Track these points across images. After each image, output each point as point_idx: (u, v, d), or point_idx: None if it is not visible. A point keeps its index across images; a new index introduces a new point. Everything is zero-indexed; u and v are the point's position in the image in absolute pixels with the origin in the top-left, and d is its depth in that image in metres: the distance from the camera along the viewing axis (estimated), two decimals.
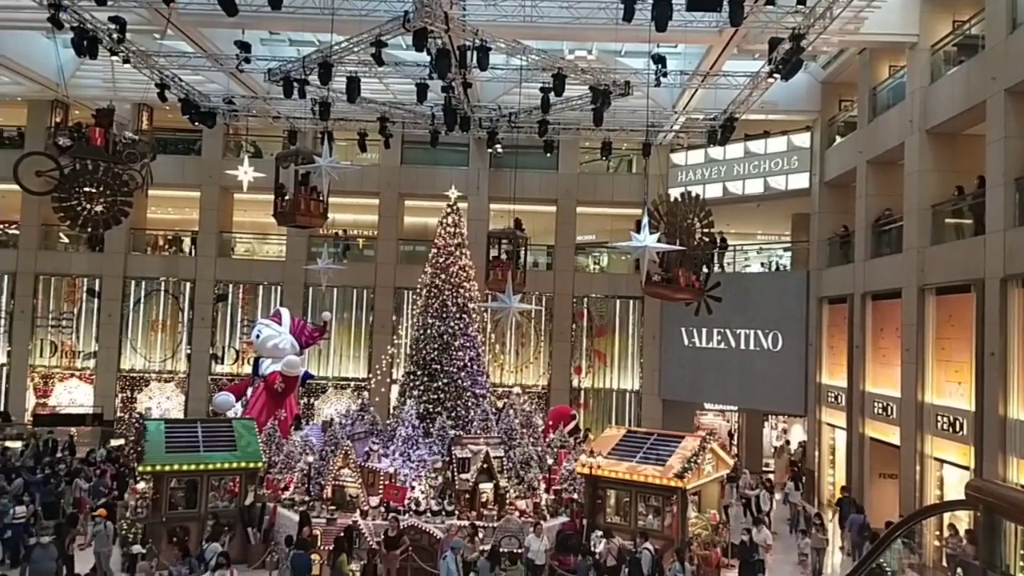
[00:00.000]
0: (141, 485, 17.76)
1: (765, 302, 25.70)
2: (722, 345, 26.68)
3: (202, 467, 16.77)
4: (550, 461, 19.11)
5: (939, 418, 17.51)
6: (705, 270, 17.51)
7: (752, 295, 25.81)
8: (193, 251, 30.24)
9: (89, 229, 18.57)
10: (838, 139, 24.56)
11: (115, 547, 15.48)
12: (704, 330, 26.88)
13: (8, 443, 24.19)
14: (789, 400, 25.48)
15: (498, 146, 26.41)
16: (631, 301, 29.40)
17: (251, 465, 17.20)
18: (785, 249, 29.14)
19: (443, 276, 20.33)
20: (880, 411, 20.37)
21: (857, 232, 22.34)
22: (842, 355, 22.73)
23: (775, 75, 18.52)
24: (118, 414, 28.72)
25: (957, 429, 16.77)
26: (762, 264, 29.29)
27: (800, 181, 25.57)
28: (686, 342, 27.60)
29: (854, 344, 21.79)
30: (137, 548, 14.42)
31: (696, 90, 22.66)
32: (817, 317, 24.70)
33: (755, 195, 26.78)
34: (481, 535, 15.60)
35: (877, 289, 21.00)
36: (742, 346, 26.20)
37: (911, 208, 19.18)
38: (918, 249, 18.64)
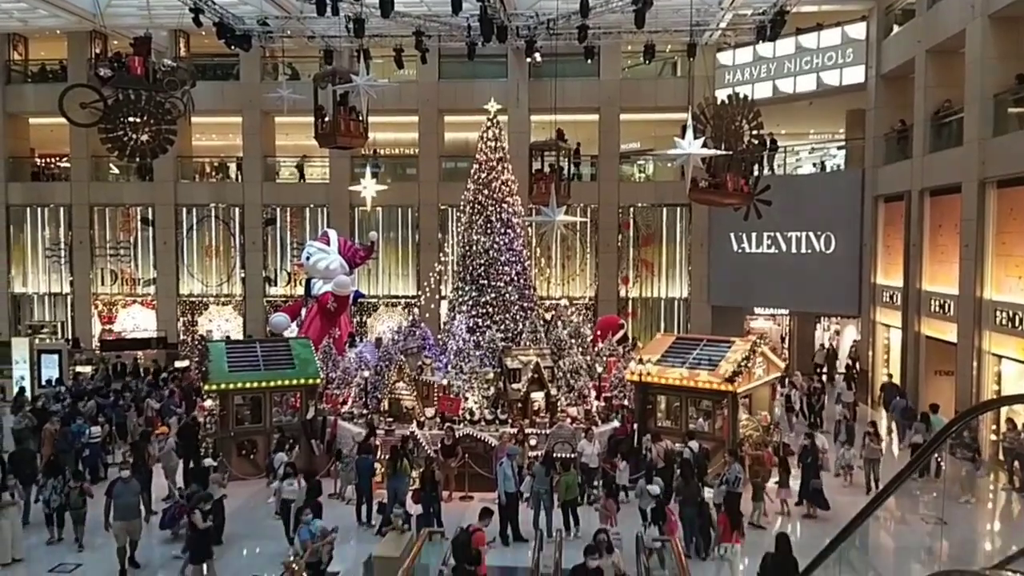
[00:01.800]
0: (208, 403, 18.57)
1: (818, 203, 25.03)
2: (772, 249, 26.25)
3: (264, 384, 17.43)
4: (600, 370, 19.33)
5: (998, 313, 17.15)
6: (754, 173, 17.09)
7: (804, 197, 25.15)
8: (239, 176, 30.59)
9: (137, 159, 18.82)
10: (895, 28, 23.31)
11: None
12: (754, 235, 26.44)
13: (79, 368, 25.44)
14: (842, 301, 25.14)
15: (537, 55, 25.69)
16: (678, 208, 28.95)
17: (310, 381, 17.79)
18: (839, 147, 28.17)
19: (486, 192, 20.20)
20: (937, 309, 20.02)
21: (915, 126, 21.45)
22: (898, 254, 22.21)
23: None
24: (181, 337, 29.84)
25: (1016, 324, 16.42)
26: (814, 165, 28.44)
27: (855, 75, 24.46)
28: (735, 248, 27.22)
29: (911, 242, 21.25)
30: (208, 461, 15.15)
31: None
32: (872, 216, 24.05)
33: (807, 92, 25.74)
34: (533, 441, 16.02)
35: (936, 184, 20.30)
36: (793, 249, 25.75)
37: (972, 98, 18.29)
38: (979, 141, 17.86)
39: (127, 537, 12.38)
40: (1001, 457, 16.55)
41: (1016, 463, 15.68)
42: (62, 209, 30.58)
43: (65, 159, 31.28)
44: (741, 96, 16.52)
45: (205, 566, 11.65)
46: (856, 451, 16.72)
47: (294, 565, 8.60)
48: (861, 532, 6.73)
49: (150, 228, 30.42)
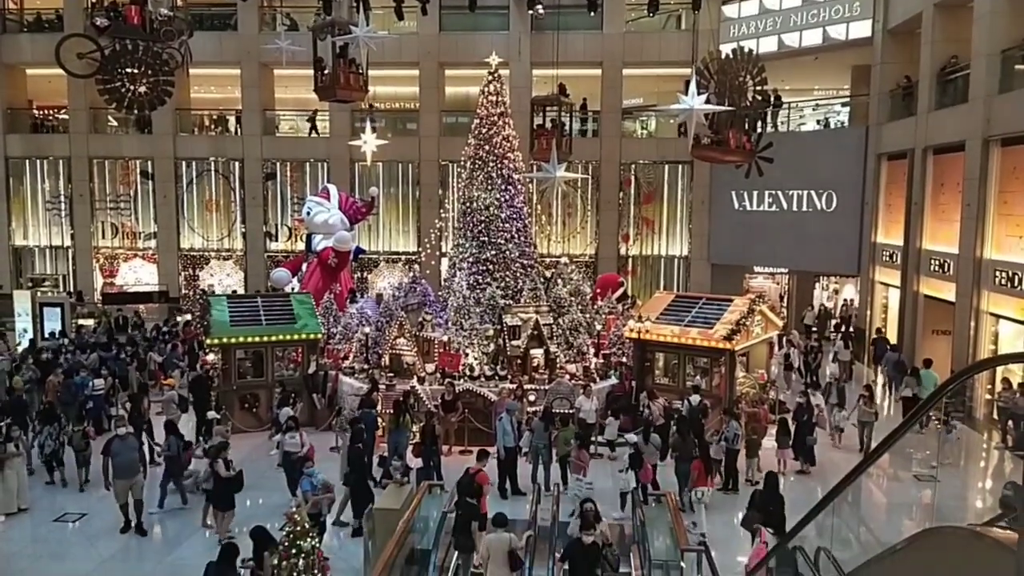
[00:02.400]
0: (211, 356, 18.72)
1: (820, 161, 24.87)
2: (773, 208, 26.16)
3: (265, 339, 17.56)
4: (599, 327, 19.43)
5: (997, 273, 17.18)
6: (757, 130, 16.93)
7: (807, 154, 24.97)
8: (239, 130, 30.34)
9: (135, 110, 18.62)
10: None
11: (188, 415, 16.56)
12: (755, 193, 26.31)
13: (82, 321, 25.58)
14: (841, 260, 25.15)
15: (539, 7, 25.27)
16: (680, 166, 28.77)
17: (311, 336, 17.92)
18: (843, 104, 27.88)
19: (487, 147, 20.03)
20: (936, 268, 20.05)
21: (921, 82, 21.21)
22: (899, 213, 22.15)
23: None
24: (183, 291, 29.92)
25: (1016, 284, 16.46)
26: (818, 122, 28.18)
27: (862, 29, 24.07)
28: (736, 206, 27.11)
29: (912, 201, 21.18)
30: (212, 414, 15.34)
31: None
32: (875, 174, 23.91)
33: (813, 47, 25.36)
34: (532, 397, 16.19)
35: (940, 142, 20.15)
36: (794, 208, 25.66)
37: (979, 54, 18.05)
38: (985, 98, 17.67)
39: (128, 494, 12.37)
40: (995, 416, 16.73)
41: (1009, 422, 15.86)
42: (61, 161, 30.39)
43: (63, 111, 31.00)
44: (746, 51, 16.29)
45: (221, 515, 11.83)
46: (848, 413, 16.77)
47: (296, 516, 8.76)
48: (853, 488, 6.85)
49: (150, 181, 30.28)
